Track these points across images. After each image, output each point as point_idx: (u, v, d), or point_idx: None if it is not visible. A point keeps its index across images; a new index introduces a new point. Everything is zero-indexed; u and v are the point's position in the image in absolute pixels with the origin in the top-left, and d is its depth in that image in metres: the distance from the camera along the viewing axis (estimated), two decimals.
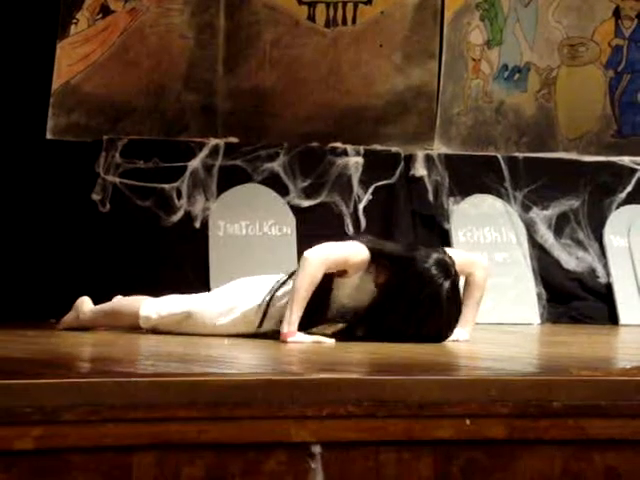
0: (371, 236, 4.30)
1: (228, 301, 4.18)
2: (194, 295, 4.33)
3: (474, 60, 5.80)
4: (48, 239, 5.12)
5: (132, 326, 4.25)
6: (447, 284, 3.93)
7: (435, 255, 4.00)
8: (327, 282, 4.00)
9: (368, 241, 4.09)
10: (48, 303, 4.91)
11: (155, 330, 4.20)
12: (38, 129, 5.13)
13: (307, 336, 3.91)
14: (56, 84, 5.16)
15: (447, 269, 3.96)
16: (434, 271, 3.94)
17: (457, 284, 4.02)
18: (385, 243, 4.19)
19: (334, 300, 4.05)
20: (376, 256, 4.00)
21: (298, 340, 3.86)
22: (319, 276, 3.94)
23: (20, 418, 2.36)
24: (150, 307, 4.25)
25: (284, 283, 4.09)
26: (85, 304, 4.38)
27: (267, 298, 4.08)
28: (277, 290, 4.09)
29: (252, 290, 4.17)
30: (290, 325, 3.88)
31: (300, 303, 3.91)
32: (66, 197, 5.15)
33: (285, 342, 3.85)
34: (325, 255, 3.96)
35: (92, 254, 5.16)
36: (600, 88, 5.93)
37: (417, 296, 3.93)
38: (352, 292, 4.05)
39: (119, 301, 4.39)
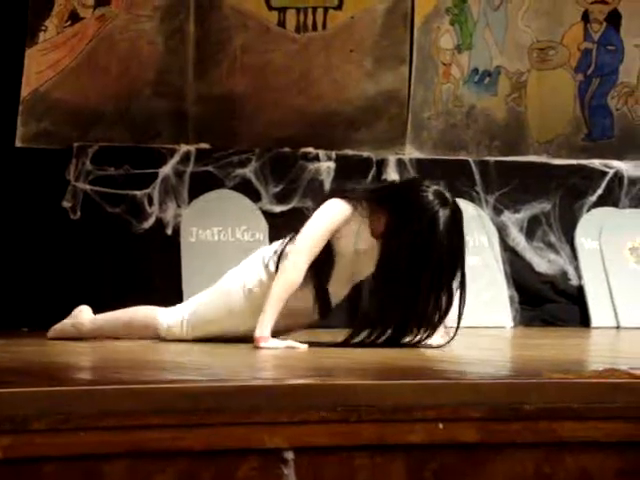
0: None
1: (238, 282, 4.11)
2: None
3: (444, 64, 5.82)
4: (18, 247, 5.09)
5: (144, 337, 4.16)
6: (446, 211, 3.89)
7: (433, 187, 3.99)
8: (328, 254, 3.94)
9: (347, 191, 4.04)
10: (19, 311, 4.89)
11: (180, 339, 4.12)
12: (7, 137, 5.10)
13: (280, 341, 3.89)
14: (25, 91, 5.13)
15: (444, 198, 3.94)
16: (431, 197, 3.92)
17: (458, 217, 3.95)
18: (362, 186, 4.13)
19: (344, 271, 4.00)
20: (360, 200, 3.95)
21: (271, 346, 3.84)
22: (298, 280, 3.92)
23: None
24: (170, 315, 4.16)
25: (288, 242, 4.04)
26: (84, 313, 4.24)
27: (275, 259, 4.01)
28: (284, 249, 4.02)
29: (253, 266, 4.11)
30: (263, 329, 3.86)
31: (276, 307, 3.88)
32: (36, 205, 5.12)
33: (258, 347, 3.83)
34: (304, 254, 3.91)
35: (63, 262, 5.13)
36: (570, 92, 5.96)
37: (416, 227, 3.86)
38: (357, 256, 3.98)
39: (127, 312, 4.25)
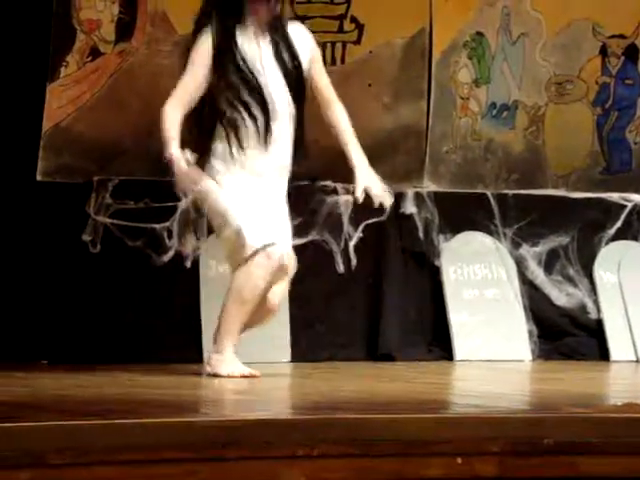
0: None
1: None
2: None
3: (462, 98, 5.83)
4: (39, 280, 5.11)
5: None
6: None
7: None
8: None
9: None
10: (39, 344, 4.90)
11: None
12: (28, 171, 5.13)
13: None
14: (46, 126, 5.17)
15: None
16: None
17: None
18: None
19: None
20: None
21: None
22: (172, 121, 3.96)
23: (8, 462, 2.34)
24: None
25: None
26: None
27: None
28: None
29: None
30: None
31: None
32: (57, 238, 5.14)
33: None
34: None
35: (83, 295, 5.15)
36: (588, 125, 5.96)
37: None
38: None
39: None
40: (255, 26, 4.13)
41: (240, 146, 4.09)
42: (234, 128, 4.11)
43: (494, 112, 5.87)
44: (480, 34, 5.81)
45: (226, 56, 4.05)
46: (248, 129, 4.13)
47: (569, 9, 5.89)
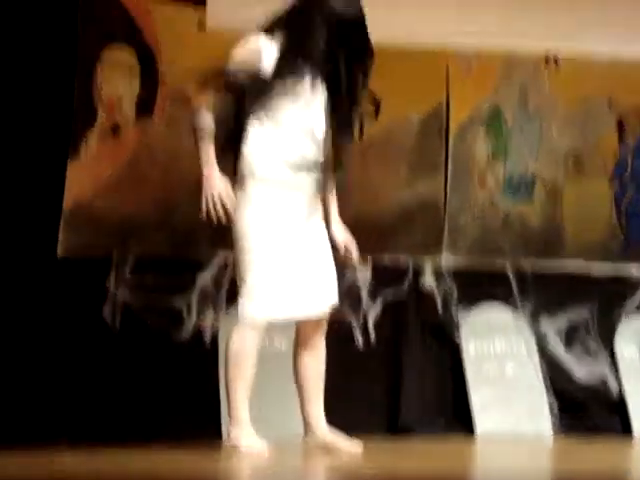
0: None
1: None
2: None
3: (480, 172, 5.87)
4: (59, 357, 5.12)
5: None
6: None
7: None
8: None
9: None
10: (58, 422, 4.89)
11: None
12: (49, 247, 5.16)
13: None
14: (67, 203, 5.21)
15: None
16: None
17: None
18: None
19: None
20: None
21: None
22: (208, 124, 3.93)
23: None
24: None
25: None
26: None
27: None
28: None
29: None
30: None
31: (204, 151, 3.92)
32: (77, 314, 5.16)
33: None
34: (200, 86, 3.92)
35: (102, 371, 5.15)
36: (606, 198, 5.98)
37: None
38: None
39: None
40: None
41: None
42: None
43: (512, 186, 5.90)
44: (497, 109, 5.86)
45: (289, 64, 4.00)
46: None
47: (585, 84, 5.94)
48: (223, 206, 3.93)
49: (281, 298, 4.03)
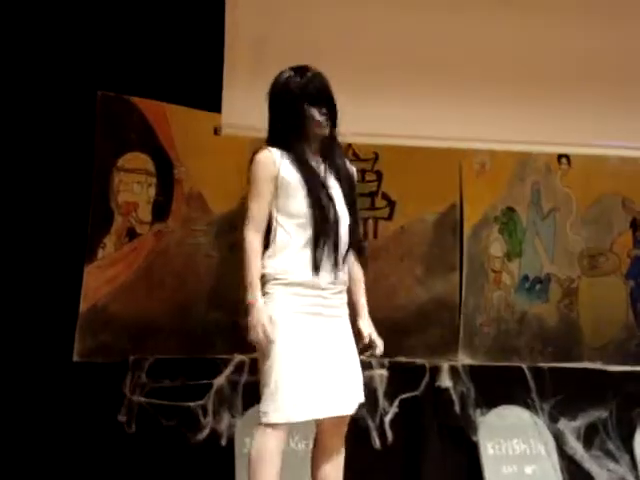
0: None
1: None
2: None
3: (495, 272, 5.88)
4: (76, 461, 5.09)
5: None
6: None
7: None
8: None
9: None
10: None
11: None
12: (65, 351, 5.17)
13: (261, 315, 3.93)
14: (83, 307, 5.23)
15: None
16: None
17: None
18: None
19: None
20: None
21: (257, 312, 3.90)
22: (252, 247, 3.97)
23: None
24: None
25: None
26: None
27: None
28: None
29: None
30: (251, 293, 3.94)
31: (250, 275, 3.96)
32: (93, 419, 5.14)
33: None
34: (245, 225, 3.99)
35: (119, 475, 5.12)
36: (622, 298, 5.98)
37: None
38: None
39: None
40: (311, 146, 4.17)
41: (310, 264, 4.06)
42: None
43: (527, 285, 5.90)
44: (511, 209, 5.89)
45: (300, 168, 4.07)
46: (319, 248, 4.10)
47: (598, 184, 5.98)
48: (265, 334, 3.97)
49: (304, 400, 4.02)
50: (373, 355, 4.13)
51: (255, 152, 4.10)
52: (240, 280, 4.05)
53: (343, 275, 4.12)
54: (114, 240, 5.31)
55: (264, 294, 4.02)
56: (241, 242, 4.03)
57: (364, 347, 4.18)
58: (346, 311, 4.17)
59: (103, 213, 5.29)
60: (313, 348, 4.02)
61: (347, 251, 4.13)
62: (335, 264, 4.05)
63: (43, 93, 5.20)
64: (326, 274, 4.05)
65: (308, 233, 4.04)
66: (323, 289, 4.03)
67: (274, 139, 4.10)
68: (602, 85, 5.42)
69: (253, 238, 4.02)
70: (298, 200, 4.04)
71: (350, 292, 4.19)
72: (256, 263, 4.00)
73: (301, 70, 4.11)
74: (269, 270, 4.03)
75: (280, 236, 4.04)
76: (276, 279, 4.03)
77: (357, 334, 4.19)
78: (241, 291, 4.06)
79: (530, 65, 5.37)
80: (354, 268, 4.20)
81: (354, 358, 4.13)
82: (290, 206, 4.04)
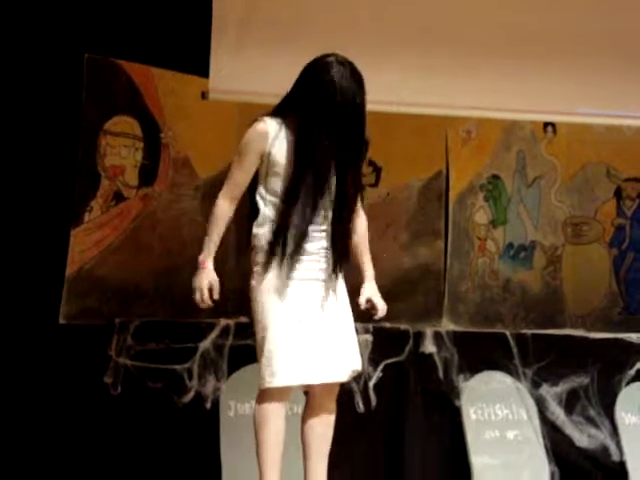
0: None
1: None
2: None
3: (480, 239, 5.91)
4: (61, 422, 5.12)
5: None
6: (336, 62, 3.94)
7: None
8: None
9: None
10: None
11: None
12: (51, 315, 5.19)
13: (203, 280, 4.01)
14: (69, 270, 5.24)
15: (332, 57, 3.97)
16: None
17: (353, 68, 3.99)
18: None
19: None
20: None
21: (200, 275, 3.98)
22: (221, 211, 3.98)
23: None
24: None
25: None
26: None
27: None
28: None
29: None
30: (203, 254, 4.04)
31: (209, 237, 4.01)
32: (78, 380, 5.17)
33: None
34: (221, 191, 3.99)
35: (104, 437, 5.15)
36: (605, 266, 6.02)
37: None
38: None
39: None
40: None
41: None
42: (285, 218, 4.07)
43: (512, 252, 5.94)
44: (496, 177, 5.92)
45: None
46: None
47: (583, 153, 6.00)
48: (211, 296, 4.00)
49: (298, 365, 4.05)
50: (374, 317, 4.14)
51: (255, 119, 4.07)
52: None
53: (329, 239, 4.12)
54: (100, 203, 5.32)
55: (255, 264, 4.04)
56: (213, 205, 4.04)
57: (364, 312, 4.19)
58: (341, 273, 4.17)
59: (90, 177, 5.29)
60: (306, 314, 4.04)
61: (343, 208, 4.10)
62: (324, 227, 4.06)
63: (30, 56, 5.19)
64: (315, 238, 4.06)
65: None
66: (315, 253, 4.05)
67: (286, 110, 4.02)
68: (587, 54, 5.43)
69: (224, 203, 4.03)
70: (283, 179, 4.03)
71: (354, 248, 4.18)
72: (220, 227, 4.03)
73: (345, 65, 4.00)
74: (259, 239, 4.05)
75: (268, 209, 4.05)
76: (265, 248, 4.05)
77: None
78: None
79: (515, 34, 5.38)
80: (357, 220, 4.18)
81: (349, 324, 4.15)
82: (274, 183, 4.03)
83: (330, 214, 4.07)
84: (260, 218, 4.05)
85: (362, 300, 4.14)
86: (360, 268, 4.18)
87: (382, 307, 4.17)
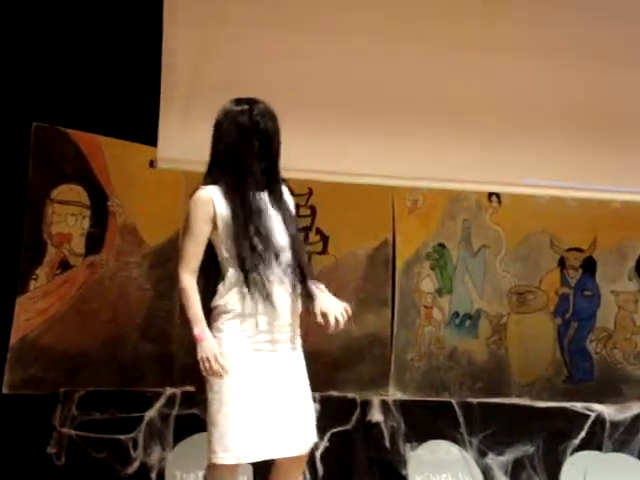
0: None
1: None
2: None
3: (426, 307, 5.94)
4: None
5: None
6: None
7: None
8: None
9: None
10: None
11: None
12: None
13: (213, 346, 3.93)
14: (14, 339, 5.19)
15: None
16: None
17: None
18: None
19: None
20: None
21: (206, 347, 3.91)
22: (189, 284, 3.97)
23: None
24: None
25: None
26: None
27: None
28: None
29: None
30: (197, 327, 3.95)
31: (192, 311, 3.96)
32: (22, 451, 5.10)
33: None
34: (181, 267, 3.99)
35: None
36: (549, 335, 6.07)
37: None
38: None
39: None
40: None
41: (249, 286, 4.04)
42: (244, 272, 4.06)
43: (457, 321, 5.98)
44: (442, 246, 5.97)
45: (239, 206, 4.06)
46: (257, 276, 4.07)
47: (527, 223, 6.08)
48: (219, 364, 3.96)
49: (253, 441, 4.01)
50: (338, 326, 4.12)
51: (195, 190, 4.10)
52: (181, 315, 4.04)
53: (293, 305, 4.12)
54: (46, 271, 5.29)
55: (212, 329, 4.03)
56: (178, 284, 4.04)
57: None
58: (299, 343, 4.17)
59: (35, 244, 5.27)
60: (263, 386, 4.02)
61: (300, 277, 4.12)
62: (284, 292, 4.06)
63: None
64: (276, 306, 4.05)
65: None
66: (272, 323, 4.04)
67: (216, 173, 4.08)
68: (532, 126, 5.52)
69: (188, 277, 4.02)
70: (235, 235, 4.05)
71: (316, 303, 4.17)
72: (196, 300, 4.00)
73: (250, 103, 4.12)
74: (218, 307, 4.04)
75: (229, 275, 4.05)
76: (224, 316, 4.04)
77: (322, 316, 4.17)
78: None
79: (462, 104, 5.46)
80: (313, 290, 4.18)
81: (306, 396, 4.13)
82: (231, 246, 4.05)
83: (287, 282, 4.08)
84: (220, 286, 4.05)
85: (317, 312, 4.12)
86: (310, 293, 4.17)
87: (336, 321, 4.13)
